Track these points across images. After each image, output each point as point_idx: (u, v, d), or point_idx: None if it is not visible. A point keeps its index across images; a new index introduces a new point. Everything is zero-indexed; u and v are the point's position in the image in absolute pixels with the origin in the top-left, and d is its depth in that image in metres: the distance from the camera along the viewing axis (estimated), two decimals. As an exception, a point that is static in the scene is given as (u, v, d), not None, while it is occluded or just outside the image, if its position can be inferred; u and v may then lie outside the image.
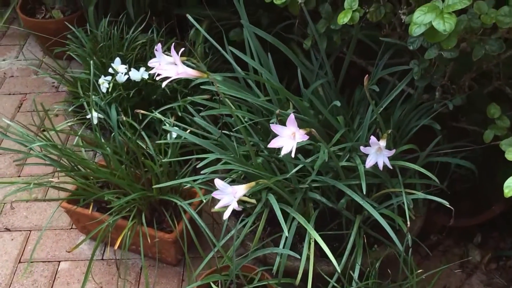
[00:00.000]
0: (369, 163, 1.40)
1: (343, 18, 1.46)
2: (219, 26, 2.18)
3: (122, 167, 1.69)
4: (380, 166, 1.39)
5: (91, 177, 1.76)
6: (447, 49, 1.26)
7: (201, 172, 1.50)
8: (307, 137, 1.18)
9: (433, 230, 1.95)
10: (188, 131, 1.60)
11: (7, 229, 2.02)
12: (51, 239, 1.97)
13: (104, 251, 1.92)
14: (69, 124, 2.03)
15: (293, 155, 1.19)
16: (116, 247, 1.68)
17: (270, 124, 1.21)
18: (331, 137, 1.67)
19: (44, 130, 1.72)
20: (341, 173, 1.49)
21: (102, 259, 1.90)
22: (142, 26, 2.20)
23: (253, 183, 1.27)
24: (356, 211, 1.57)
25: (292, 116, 1.18)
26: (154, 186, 1.55)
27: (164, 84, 1.28)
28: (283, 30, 2.04)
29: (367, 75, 1.28)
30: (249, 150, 1.49)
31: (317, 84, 1.66)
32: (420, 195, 1.43)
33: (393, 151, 1.37)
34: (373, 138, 1.36)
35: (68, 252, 1.87)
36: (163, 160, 1.64)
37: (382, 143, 1.38)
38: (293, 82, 2.04)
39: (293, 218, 1.50)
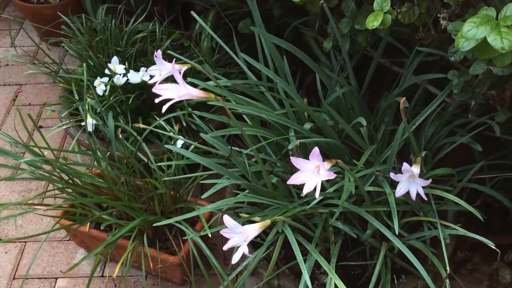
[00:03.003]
0: (400, 191, 1.22)
1: (373, 22, 1.26)
2: (227, 16, 2.00)
3: (119, 186, 1.52)
4: (413, 195, 1.22)
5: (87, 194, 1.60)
6: (501, 66, 1.07)
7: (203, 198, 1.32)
8: (334, 175, 1.01)
9: (461, 246, 1.78)
10: (192, 146, 1.42)
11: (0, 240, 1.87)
12: (47, 253, 1.82)
13: (104, 267, 1.77)
14: (64, 127, 1.86)
15: (317, 195, 1.01)
16: (115, 272, 1.53)
17: (290, 158, 1.03)
18: (352, 149, 1.50)
19: (33, 145, 1.53)
20: (366, 198, 1.32)
21: (102, 275, 1.75)
22: (144, 15, 2.00)
23: (268, 222, 1.11)
24: (382, 237, 1.40)
25: (316, 150, 1.00)
26: (154, 224, 1.37)
27: (164, 109, 1.10)
28: (300, 22, 1.84)
29: (404, 98, 1.09)
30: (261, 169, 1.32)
31: (338, 94, 1.47)
32: (460, 231, 1.26)
33: (429, 181, 1.19)
34: (405, 165, 1.18)
35: (64, 272, 1.72)
36: (164, 179, 1.47)
37: (416, 169, 1.20)
38: (309, 75, 1.85)
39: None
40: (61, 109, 1.87)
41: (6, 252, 1.83)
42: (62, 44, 1.99)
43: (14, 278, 1.76)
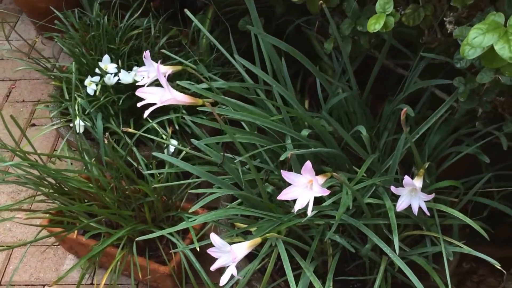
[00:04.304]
0: (401, 205, 1.15)
1: (375, 25, 1.18)
2: (228, 13, 1.93)
3: (107, 192, 1.45)
4: (415, 210, 1.14)
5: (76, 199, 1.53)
6: (509, 76, 0.99)
7: (191, 211, 1.25)
8: (328, 191, 0.93)
9: (466, 257, 1.71)
10: (183, 153, 1.35)
11: (-13, 243, 1.82)
12: (35, 258, 1.76)
13: (94, 274, 1.70)
14: (55, 127, 1.79)
15: (309, 212, 0.94)
16: (103, 281, 1.47)
17: (281, 172, 0.96)
18: (354, 156, 1.43)
19: (19, 150, 1.46)
20: (366, 210, 1.24)
21: (92, 283, 1.69)
22: (141, 10, 1.92)
23: (258, 240, 1.04)
24: (382, 251, 1.33)
25: (308, 164, 0.93)
26: (138, 239, 1.30)
27: (146, 114, 1.03)
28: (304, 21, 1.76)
29: (405, 109, 1.01)
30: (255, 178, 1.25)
31: (337, 100, 1.39)
32: (464, 248, 1.18)
33: (432, 195, 1.11)
34: (407, 179, 1.10)
35: (50, 286, 1.66)
36: (155, 185, 1.40)
37: (418, 183, 1.12)
38: (312, 75, 1.77)
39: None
40: (51, 108, 1.80)
41: (-8, 257, 1.78)
42: (55, 40, 1.92)
43: (0, 285, 1.70)
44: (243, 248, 1.01)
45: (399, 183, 1.15)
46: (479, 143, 1.34)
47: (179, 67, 1.29)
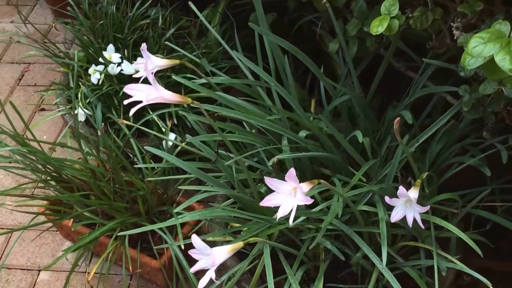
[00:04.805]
0: (395, 216, 1.11)
1: (378, 27, 1.14)
2: (240, 6, 1.89)
3: (104, 182, 1.44)
4: (409, 221, 1.10)
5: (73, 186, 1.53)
6: None
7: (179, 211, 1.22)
8: (311, 200, 0.90)
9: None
10: (179, 148, 1.33)
11: (-12, 225, 1.83)
12: (34, 243, 1.77)
13: (90, 263, 1.70)
14: (60, 113, 1.78)
15: (290, 222, 0.91)
16: (93, 270, 1.46)
17: (265, 178, 0.93)
18: (354, 159, 1.39)
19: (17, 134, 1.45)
20: (359, 218, 1.21)
21: (87, 271, 1.68)
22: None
23: (240, 244, 1.01)
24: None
25: (292, 171, 0.90)
26: (121, 233, 1.28)
27: (131, 112, 1.00)
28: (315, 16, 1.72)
29: (397, 119, 0.97)
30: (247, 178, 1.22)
31: (339, 102, 1.35)
32: (458, 264, 1.13)
33: (427, 207, 1.07)
34: (401, 189, 1.06)
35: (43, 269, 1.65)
36: (149, 179, 1.38)
37: (413, 194, 1.08)
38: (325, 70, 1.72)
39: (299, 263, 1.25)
40: (57, 95, 1.80)
41: (-9, 239, 1.79)
42: (67, 27, 1.91)
43: (-3, 267, 1.72)
44: (223, 252, 0.98)
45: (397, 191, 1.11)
46: (484, 153, 1.29)
47: (176, 61, 1.26)
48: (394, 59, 1.49)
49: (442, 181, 1.36)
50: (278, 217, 0.92)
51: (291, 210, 0.92)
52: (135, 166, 1.37)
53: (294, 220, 1.01)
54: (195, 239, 0.99)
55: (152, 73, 1.01)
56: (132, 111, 1.00)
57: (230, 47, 1.86)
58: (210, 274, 0.96)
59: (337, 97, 1.40)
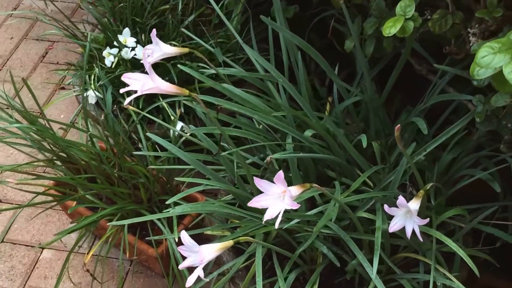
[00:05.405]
0: (394, 226, 1.06)
1: (390, 28, 1.09)
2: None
3: (110, 166, 1.43)
4: (408, 233, 1.05)
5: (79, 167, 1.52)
6: (523, 102, 0.88)
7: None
8: (298, 205, 0.87)
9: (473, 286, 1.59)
10: (183, 138, 1.31)
11: (-1, 200, 1.85)
12: (40, 220, 1.78)
13: (92, 244, 1.70)
14: (74, 94, 1.79)
15: (276, 225, 0.88)
16: (91, 252, 1.46)
17: (254, 178, 0.90)
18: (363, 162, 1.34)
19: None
20: (357, 224, 1.17)
21: (89, 253, 1.68)
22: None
23: (229, 243, 0.98)
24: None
25: (281, 174, 0.86)
26: (111, 223, 1.27)
27: (126, 102, 0.98)
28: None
29: (398, 126, 0.92)
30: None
31: (348, 103, 1.31)
32: (455, 283, 1.08)
33: (426, 220, 1.02)
34: (401, 199, 1.02)
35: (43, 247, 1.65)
36: (151, 167, 1.36)
37: (414, 205, 1.03)
38: (344, 70, 1.67)
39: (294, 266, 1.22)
40: (72, 75, 1.80)
41: (0, 213, 1.80)
42: (90, 7, 1.90)
43: (2, 241, 1.73)
44: (211, 250, 0.96)
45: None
46: (498, 167, 1.23)
47: (186, 49, 1.23)
48: (416, 61, 1.44)
49: (455, 192, 1.31)
50: (264, 220, 0.89)
51: (279, 213, 0.88)
52: (135, 153, 1.35)
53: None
54: (183, 235, 0.97)
55: (151, 62, 0.98)
56: (127, 101, 0.98)
57: (250, 38, 1.83)
58: (198, 272, 0.94)
59: (349, 98, 1.35)
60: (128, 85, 0.99)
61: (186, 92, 1.00)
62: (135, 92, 0.96)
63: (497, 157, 1.26)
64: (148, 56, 1.19)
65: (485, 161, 1.28)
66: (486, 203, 1.29)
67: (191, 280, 0.97)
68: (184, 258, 1.00)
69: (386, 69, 1.47)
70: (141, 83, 0.96)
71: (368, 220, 1.21)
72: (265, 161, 1.11)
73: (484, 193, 1.33)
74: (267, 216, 0.89)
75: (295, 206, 0.86)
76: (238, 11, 1.85)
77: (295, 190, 0.89)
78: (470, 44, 1.04)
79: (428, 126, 1.34)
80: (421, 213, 1.19)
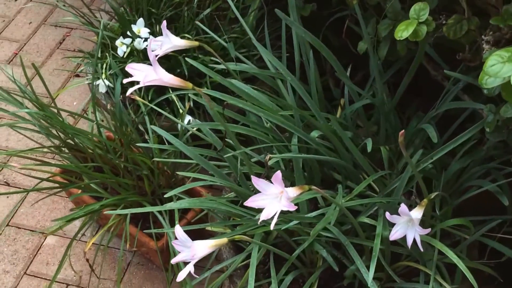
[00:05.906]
0: (395, 234, 1.04)
1: (402, 32, 1.07)
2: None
3: (116, 156, 1.42)
4: (409, 242, 1.03)
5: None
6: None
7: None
8: (294, 207, 0.85)
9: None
10: (189, 132, 1.29)
11: (7, 183, 1.85)
12: (46, 206, 1.79)
13: (96, 233, 1.70)
14: (86, 82, 1.79)
15: (272, 226, 0.86)
16: (93, 239, 1.46)
17: (252, 178, 0.88)
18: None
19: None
20: (358, 230, 1.14)
21: (90, 242, 1.69)
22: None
23: (224, 240, 0.97)
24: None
25: (278, 174, 0.85)
26: (109, 212, 1.26)
27: (128, 92, 0.98)
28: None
29: (402, 131, 0.90)
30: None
31: (358, 106, 1.28)
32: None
33: (428, 230, 1.00)
34: (403, 207, 0.99)
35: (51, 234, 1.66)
36: (155, 159, 1.36)
37: (416, 214, 1.01)
38: (360, 71, 1.64)
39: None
40: (85, 63, 1.80)
41: (7, 197, 1.81)
42: (106, -3, 1.90)
43: (7, 225, 1.74)
44: (204, 246, 0.95)
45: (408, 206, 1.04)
46: (507, 179, 1.19)
47: (196, 43, 1.22)
48: (433, 67, 1.41)
49: (462, 202, 1.28)
50: (260, 220, 0.87)
51: (275, 214, 0.87)
52: (138, 144, 1.35)
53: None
54: (177, 230, 0.96)
55: (161, 55, 0.97)
56: (129, 91, 0.98)
57: (268, 33, 1.81)
58: (189, 268, 0.93)
59: (359, 100, 1.33)
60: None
61: (190, 85, 0.98)
62: (138, 83, 0.95)
63: (506, 169, 1.23)
64: (157, 48, 1.19)
65: (495, 172, 1.24)
66: (493, 215, 1.26)
67: (182, 275, 0.96)
68: (182, 253, 1.00)
69: (403, 73, 1.44)
70: (144, 74, 0.95)
71: (371, 226, 1.19)
72: (264, 160, 1.09)
73: (492, 205, 1.30)
74: (263, 217, 0.87)
75: (292, 207, 0.84)
76: (255, 7, 1.84)
77: (293, 191, 0.87)
78: (483, 52, 1.01)
79: (442, 133, 1.31)
80: (425, 222, 1.17)
